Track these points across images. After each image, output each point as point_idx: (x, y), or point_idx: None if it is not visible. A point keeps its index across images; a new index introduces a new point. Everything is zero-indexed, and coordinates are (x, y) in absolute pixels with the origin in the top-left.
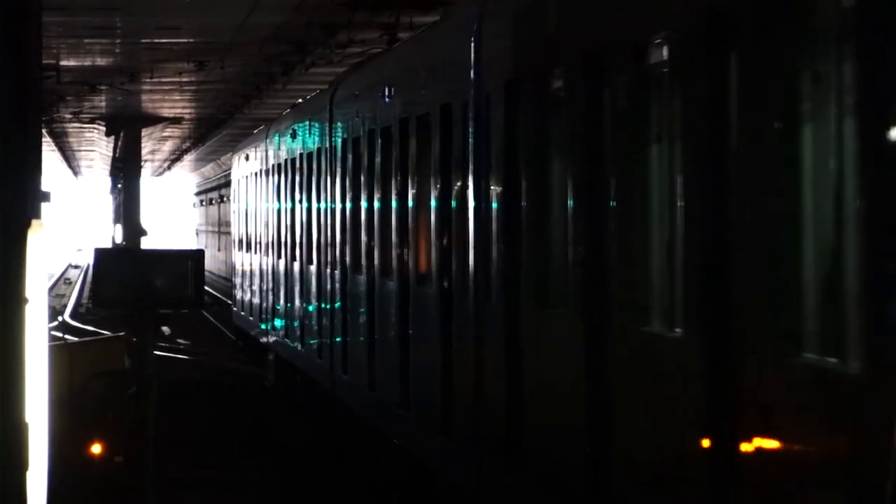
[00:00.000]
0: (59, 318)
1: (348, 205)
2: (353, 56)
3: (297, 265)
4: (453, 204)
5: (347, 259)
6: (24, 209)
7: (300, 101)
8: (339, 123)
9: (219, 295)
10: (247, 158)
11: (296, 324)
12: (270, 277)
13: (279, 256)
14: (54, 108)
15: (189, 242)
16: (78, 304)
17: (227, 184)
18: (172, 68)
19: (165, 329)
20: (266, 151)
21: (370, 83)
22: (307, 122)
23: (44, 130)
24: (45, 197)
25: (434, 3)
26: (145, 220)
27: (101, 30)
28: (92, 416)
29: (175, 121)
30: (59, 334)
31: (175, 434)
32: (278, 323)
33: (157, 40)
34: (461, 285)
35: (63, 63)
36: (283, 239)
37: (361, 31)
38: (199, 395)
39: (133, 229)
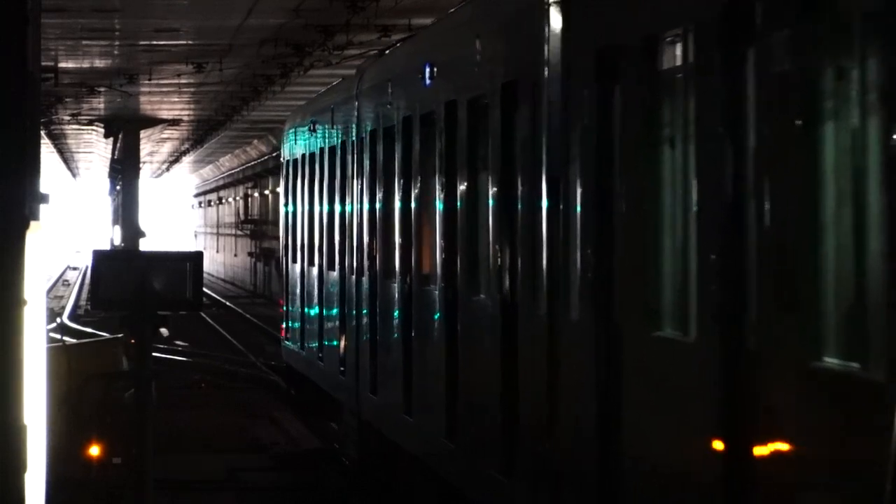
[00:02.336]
0: (58, 320)
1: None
2: (351, 58)
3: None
4: (520, 201)
5: (445, 273)
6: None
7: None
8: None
9: (214, 295)
10: (312, 130)
11: (420, 392)
12: (361, 301)
13: (369, 272)
14: (53, 110)
15: (188, 244)
16: (76, 305)
17: (225, 186)
18: (171, 70)
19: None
20: (356, 112)
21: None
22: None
23: (42, 132)
24: (44, 199)
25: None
26: (144, 221)
27: (100, 32)
28: (90, 417)
29: (173, 122)
30: (58, 336)
31: (174, 436)
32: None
33: (155, 42)
34: (528, 297)
35: (62, 65)
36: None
37: (359, 33)
38: (198, 397)
39: (131, 231)
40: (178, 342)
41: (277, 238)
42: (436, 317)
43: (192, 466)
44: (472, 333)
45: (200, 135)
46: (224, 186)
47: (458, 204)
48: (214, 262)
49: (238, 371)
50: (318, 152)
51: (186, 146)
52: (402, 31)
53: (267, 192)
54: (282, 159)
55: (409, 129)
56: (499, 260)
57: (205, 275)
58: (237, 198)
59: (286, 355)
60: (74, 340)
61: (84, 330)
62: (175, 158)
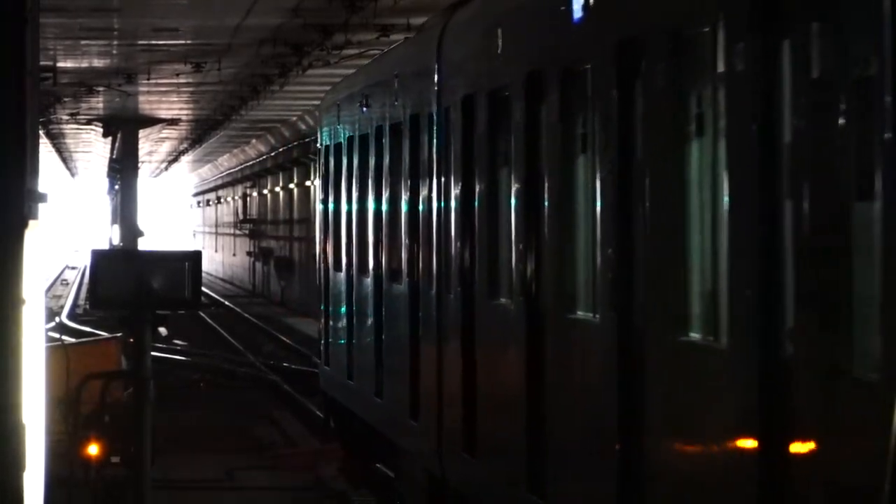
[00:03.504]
0: (57, 320)
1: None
2: (349, 58)
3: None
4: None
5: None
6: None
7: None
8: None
9: (213, 294)
10: (364, 105)
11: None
12: (444, 329)
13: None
14: (51, 110)
15: (186, 243)
16: (75, 305)
17: (224, 185)
18: (170, 70)
19: (162, 330)
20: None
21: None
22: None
23: (41, 131)
24: (43, 198)
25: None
26: (142, 221)
27: (99, 31)
28: (89, 417)
29: (172, 122)
30: (57, 335)
31: (172, 435)
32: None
33: (154, 42)
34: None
35: (60, 64)
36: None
37: (358, 32)
38: (196, 396)
39: (130, 230)
40: (176, 341)
41: (275, 237)
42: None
43: (190, 466)
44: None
45: (199, 134)
46: (223, 186)
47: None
48: (213, 262)
49: (237, 370)
50: (373, 132)
51: (185, 146)
52: (401, 30)
53: (266, 191)
54: (317, 145)
55: (538, 89)
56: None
57: (203, 274)
58: (236, 197)
59: (326, 384)
60: (73, 340)
61: (83, 329)
62: (174, 158)
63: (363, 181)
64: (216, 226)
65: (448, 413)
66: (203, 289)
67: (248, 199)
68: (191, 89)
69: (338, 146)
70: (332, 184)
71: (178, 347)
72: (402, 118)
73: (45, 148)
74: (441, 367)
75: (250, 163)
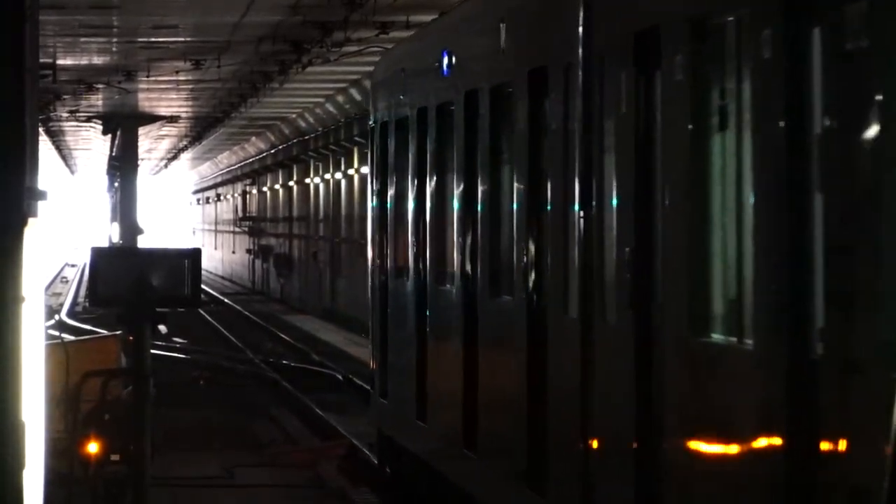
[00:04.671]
0: (56, 317)
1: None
2: (349, 55)
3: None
4: None
5: None
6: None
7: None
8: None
9: (212, 292)
10: (443, 67)
11: None
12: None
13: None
14: (51, 107)
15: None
16: (74, 302)
17: (223, 183)
18: (169, 67)
19: (162, 328)
20: None
21: None
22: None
23: (40, 129)
24: (42, 196)
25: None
26: (142, 218)
27: (98, 28)
28: (88, 414)
29: (172, 119)
30: (56, 333)
31: (172, 432)
32: None
33: (153, 39)
34: None
35: (60, 62)
36: None
37: (357, 29)
38: (196, 393)
39: (130, 228)
40: (176, 339)
41: (275, 235)
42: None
43: (190, 463)
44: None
45: (199, 132)
46: (222, 183)
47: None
48: (212, 259)
49: (236, 368)
50: (462, 100)
51: (185, 143)
52: (400, 27)
53: (265, 189)
54: (370, 123)
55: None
56: None
57: (203, 271)
58: (235, 195)
59: (382, 420)
60: (73, 337)
61: (82, 327)
62: (173, 155)
63: (445, 164)
64: (216, 223)
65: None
66: (202, 286)
67: (248, 196)
68: (190, 86)
69: (402, 122)
70: (393, 169)
71: (178, 345)
72: (511, 76)
73: (45, 145)
74: (588, 424)
75: (250, 160)
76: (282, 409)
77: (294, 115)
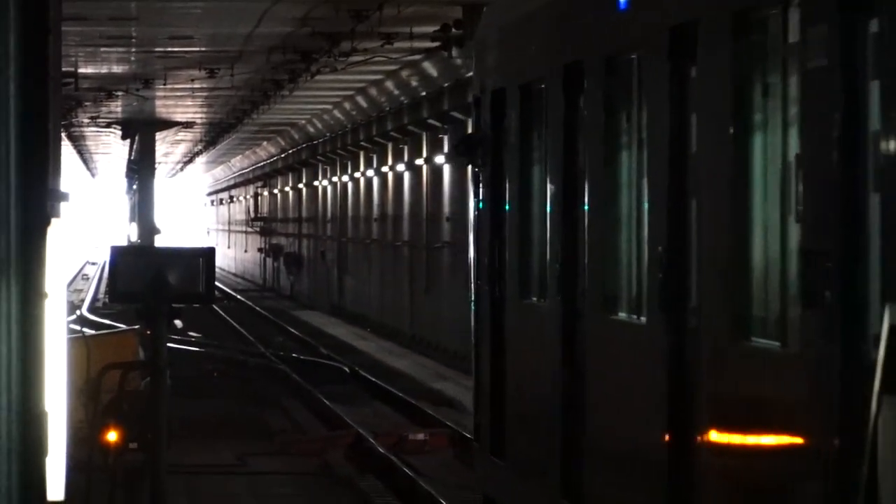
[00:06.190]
0: (77, 312)
1: None
2: (355, 64)
3: None
4: None
5: None
6: (44, 209)
7: None
8: None
9: (226, 288)
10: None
11: None
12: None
13: None
14: (73, 113)
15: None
16: (95, 298)
17: (236, 185)
18: (185, 75)
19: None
20: None
21: None
22: None
23: (63, 134)
24: (64, 197)
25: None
26: (159, 219)
27: (118, 39)
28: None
29: (187, 125)
30: (78, 328)
31: (187, 422)
32: None
33: (170, 49)
34: None
35: (81, 70)
36: None
37: (363, 40)
38: (210, 385)
39: (147, 228)
40: (191, 333)
41: (285, 235)
42: None
43: (204, 452)
44: None
45: (213, 137)
46: (235, 186)
47: None
48: (226, 258)
49: (248, 360)
50: (657, 43)
51: (199, 147)
52: (404, 38)
53: (276, 191)
54: (474, 92)
55: None
56: None
57: (217, 269)
58: (247, 197)
59: (496, 485)
60: (93, 332)
61: (102, 322)
62: (189, 159)
63: (618, 142)
64: (229, 223)
65: None
66: (216, 283)
67: (260, 198)
68: (205, 94)
69: (533, 86)
70: (517, 151)
71: (193, 339)
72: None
73: (67, 149)
74: None
75: (261, 164)
76: (292, 400)
77: (303, 121)
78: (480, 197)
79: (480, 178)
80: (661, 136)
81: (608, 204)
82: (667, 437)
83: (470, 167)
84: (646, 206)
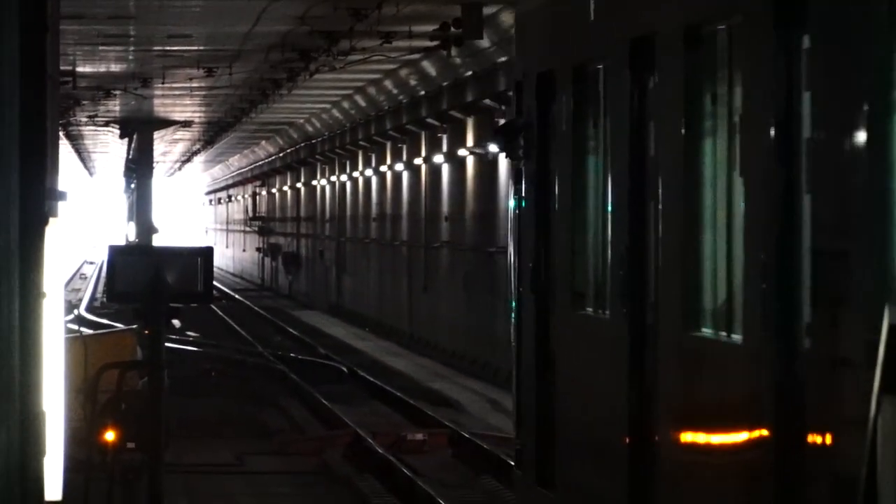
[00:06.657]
0: (75, 312)
1: None
2: (354, 63)
3: None
4: None
5: None
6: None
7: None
8: None
9: (224, 288)
10: None
11: None
12: None
13: None
14: (71, 112)
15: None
16: (93, 298)
17: (234, 184)
18: (183, 74)
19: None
20: None
21: None
22: None
23: (61, 133)
24: (62, 196)
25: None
26: (157, 218)
27: (116, 38)
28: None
29: (185, 124)
30: (75, 327)
31: (185, 422)
32: None
33: (168, 48)
34: None
35: (79, 69)
36: None
37: (362, 39)
38: (208, 384)
39: (145, 227)
40: (189, 333)
41: (283, 234)
42: None
43: (202, 451)
44: None
45: (211, 136)
46: (233, 185)
47: None
48: (224, 257)
49: (246, 360)
50: (755, 13)
51: (198, 147)
52: (402, 37)
53: (274, 190)
54: (515, 76)
55: None
56: None
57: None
58: (246, 196)
59: None
60: (91, 331)
61: (100, 321)
62: (187, 158)
63: (696, 129)
64: (227, 223)
65: None
66: (215, 283)
67: (258, 197)
68: (203, 93)
69: (586, 67)
70: (569, 141)
71: (191, 338)
72: None
73: (65, 148)
74: None
75: (260, 163)
76: (290, 400)
77: (302, 121)
78: (522, 193)
79: (523, 172)
80: (764, 115)
81: (688, 200)
82: (763, 477)
83: (508, 159)
84: (741, 201)
